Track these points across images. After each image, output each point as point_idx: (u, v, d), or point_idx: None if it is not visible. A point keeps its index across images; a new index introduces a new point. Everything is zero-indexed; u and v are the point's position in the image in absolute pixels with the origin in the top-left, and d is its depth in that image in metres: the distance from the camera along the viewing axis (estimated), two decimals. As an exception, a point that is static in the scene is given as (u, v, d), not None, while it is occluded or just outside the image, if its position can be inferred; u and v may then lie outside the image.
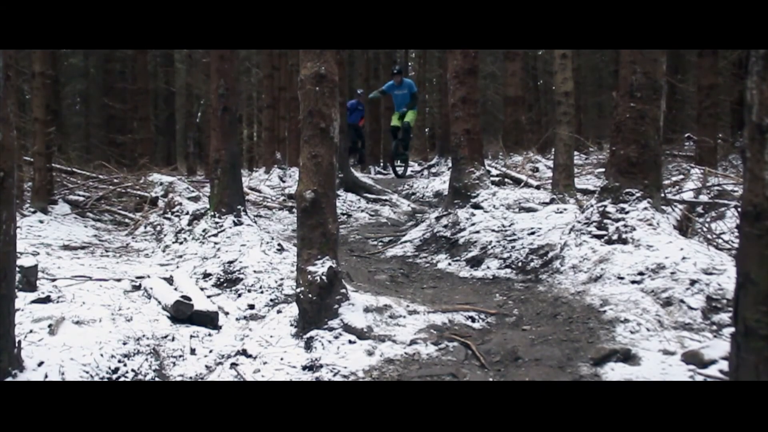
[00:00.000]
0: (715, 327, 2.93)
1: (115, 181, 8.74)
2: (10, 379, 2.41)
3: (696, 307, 3.08)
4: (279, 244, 4.61)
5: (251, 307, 3.77)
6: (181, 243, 5.16)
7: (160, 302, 3.56)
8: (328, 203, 3.11)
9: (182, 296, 3.50)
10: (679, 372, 2.47)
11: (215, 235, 4.94)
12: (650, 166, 3.97)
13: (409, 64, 23.00)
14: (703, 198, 5.43)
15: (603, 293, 3.37)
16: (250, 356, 2.92)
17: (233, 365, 2.85)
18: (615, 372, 2.52)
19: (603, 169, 5.62)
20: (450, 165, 6.55)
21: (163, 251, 5.18)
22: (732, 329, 1.83)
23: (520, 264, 4.39)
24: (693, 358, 2.53)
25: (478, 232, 5.04)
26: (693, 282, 3.21)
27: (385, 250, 5.58)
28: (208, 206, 5.37)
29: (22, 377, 2.46)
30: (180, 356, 3.04)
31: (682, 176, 6.51)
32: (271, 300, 3.83)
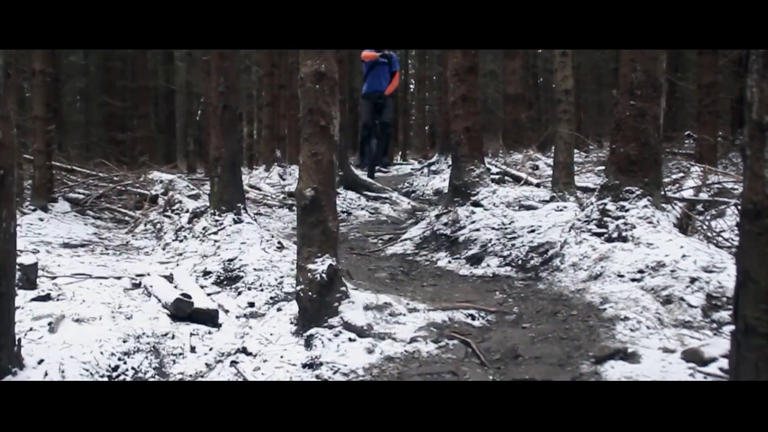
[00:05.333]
0: (715, 325, 2.94)
1: (115, 179, 8.73)
2: (10, 377, 2.41)
3: (696, 305, 3.08)
4: (279, 242, 4.61)
5: (251, 305, 3.77)
6: (181, 241, 5.16)
7: (160, 300, 3.56)
8: (328, 201, 3.11)
9: (182, 294, 3.50)
10: (679, 370, 2.48)
11: (215, 233, 4.93)
12: (650, 164, 3.97)
13: (409, 61, 23.01)
14: (703, 196, 5.43)
15: (603, 291, 3.38)
16: (250, 354, 2.92)
17: (233, 363, 2.85)
18: (615, 370, 2.52)
19: (603, 167, 5.62)
20: (450, 163, 6.55)
21: (163, 249, 5.18)
22: (732, 327, 1.83)
23: (520, 262, 4.39)
24: (693, 356, 2.53)
25: (478, 230, 5.04)
26: (693, 280, 3.22)
27: (385, 248, 5.58)
28: (208, 204, 5.37)
29: (22, 375, 2.46)
30: (180, 354, 3.03)
31: (682, 174, 6.50)
32: (271, 298, 3.83)
